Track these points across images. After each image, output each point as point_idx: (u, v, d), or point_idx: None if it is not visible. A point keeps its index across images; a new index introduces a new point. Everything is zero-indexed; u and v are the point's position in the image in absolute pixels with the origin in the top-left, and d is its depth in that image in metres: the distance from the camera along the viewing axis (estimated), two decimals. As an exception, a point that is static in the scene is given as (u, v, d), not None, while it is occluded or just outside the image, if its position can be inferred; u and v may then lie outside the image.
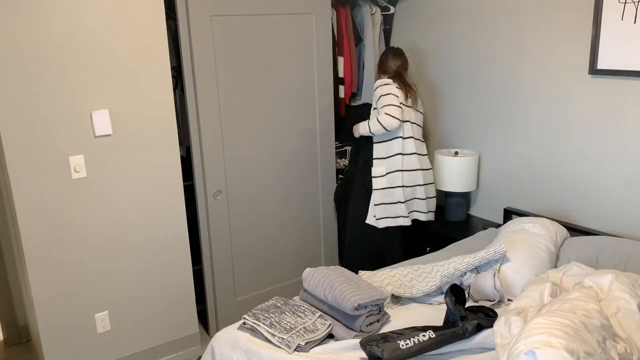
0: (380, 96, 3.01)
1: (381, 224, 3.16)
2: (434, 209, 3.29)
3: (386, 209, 3.14)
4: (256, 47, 2.96)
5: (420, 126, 3.18)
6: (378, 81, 3.09)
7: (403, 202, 3.11)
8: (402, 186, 3.10)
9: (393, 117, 2.94)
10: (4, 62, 2.29)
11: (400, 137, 3.08)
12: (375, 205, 3.15)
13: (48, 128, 2.43)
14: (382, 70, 3.19)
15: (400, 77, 3.10)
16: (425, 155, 3.21)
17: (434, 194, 3.28)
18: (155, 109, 2.70)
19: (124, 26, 2.53)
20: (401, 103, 3.02)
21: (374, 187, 3.14)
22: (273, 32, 3.01)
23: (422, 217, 3.22)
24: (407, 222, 3.15)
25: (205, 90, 2.84)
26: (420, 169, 3.14)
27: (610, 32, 2.55)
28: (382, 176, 3.12)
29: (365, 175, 3.21)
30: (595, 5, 2.58)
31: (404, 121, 3.06)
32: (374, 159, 3.15)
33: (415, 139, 3.13)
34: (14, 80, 2.32)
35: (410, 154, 3.11)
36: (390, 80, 3.05)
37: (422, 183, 3.16)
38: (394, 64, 3.12)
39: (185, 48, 2.76)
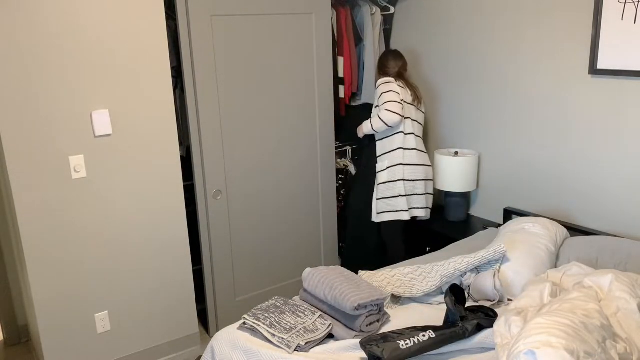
0: (382, 93, 3.06)
1: (382, 218, 3.21)
2: (430, 206, 3.33)
3: (387, 203, 3.19)
4: (256, 47, 2.96)
5: (421, 124, 3.24)
6: (380, 80, 3.13)
7: (404, 196, 3.15)
8: (403, 180, 3.14)
9: (394, 112, 3.00)
10: (4, 62, 2.29)
11: (402, 132, 3.13)
12: (377, 199, 3.20)
13: (48, 128, 2.43)
14: (382, 72, 3.23)
15: (402, 77, 3.15)
16: (426, 152, 3.27)
17: (432, 191, 3.32)
18: (155, 109, 2.70)
19: (124, 26, 2.53)
20: (402, 100, 3.06)
21: (377, 182, 3.21)
22: (273, 32, 3.01)
23: (421, 213, 3.27)
24: (407, 216, 3.19)
25: (205, 90, 2.84)
26: (421, 164, 3.18)
27: (610, 32, 2.55)
28: (383, 170, 3.18)
29: (368, 173, 3.26)
30: (595, 5, 2.58)
31: (405, 117, 3.10)
32: (377, 156, 3.20)
33: (416, 135, 3.19)
34: (14, 80, 2.32)
35: (411, 149, 3.16)
36: (392, 79, 3.11)
37: (423, 178, 3.21)
38: (396, 65, 3.17)
39: (185, 48, 2.76)
